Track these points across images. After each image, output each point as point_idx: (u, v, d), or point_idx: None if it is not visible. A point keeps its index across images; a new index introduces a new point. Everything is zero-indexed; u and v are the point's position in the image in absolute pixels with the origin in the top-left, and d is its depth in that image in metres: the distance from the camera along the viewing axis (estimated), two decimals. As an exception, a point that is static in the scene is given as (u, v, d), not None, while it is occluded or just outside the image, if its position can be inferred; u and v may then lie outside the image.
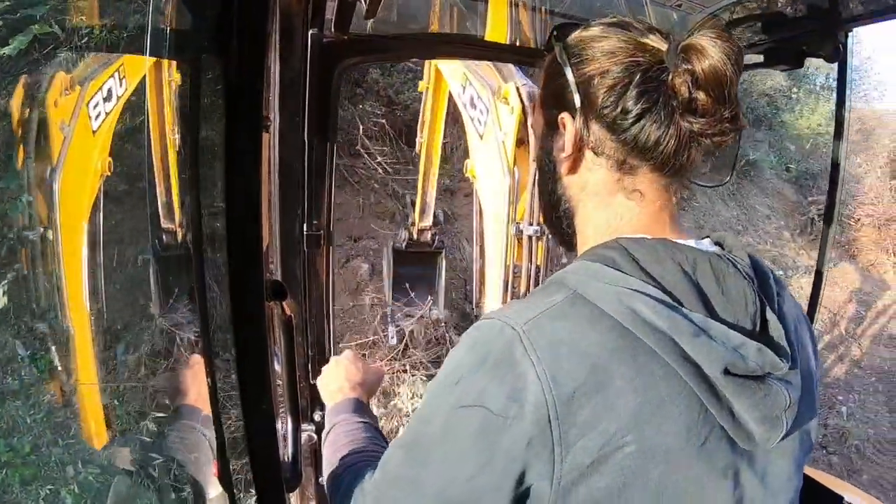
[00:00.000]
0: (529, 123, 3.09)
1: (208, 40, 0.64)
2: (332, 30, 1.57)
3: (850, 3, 1.40)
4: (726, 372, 0.74)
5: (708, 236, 0.89)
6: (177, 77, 3.32)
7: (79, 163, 2.41)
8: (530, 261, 3.29)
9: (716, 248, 0.85)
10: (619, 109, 0.82)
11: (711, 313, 0.77)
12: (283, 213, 1.62)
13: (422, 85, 4.84)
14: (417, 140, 5.10)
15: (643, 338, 0.74)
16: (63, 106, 2.38)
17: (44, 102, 2.33)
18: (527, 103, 3.12)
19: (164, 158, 3.68)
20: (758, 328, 0.80)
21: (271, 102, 1.47)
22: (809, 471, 0.94)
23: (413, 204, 5.37)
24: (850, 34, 1.47)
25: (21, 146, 2.31)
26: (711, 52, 0.77)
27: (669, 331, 0.73)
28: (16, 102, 2.30)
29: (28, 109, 2.29)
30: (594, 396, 0.72)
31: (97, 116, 2.50)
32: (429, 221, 5.36)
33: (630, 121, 0.81)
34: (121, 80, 2.60)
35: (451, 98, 4.25)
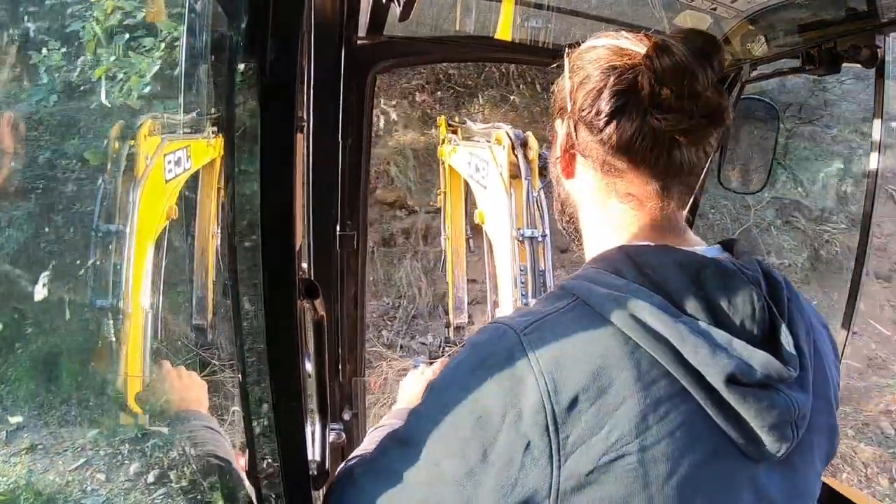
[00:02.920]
0: (519, 156, 3.73)
1: (243, 41, 0.65)
2: (367, 31, 1.58)
3: (888, 8, 1.36)
4: (730, 381, 0.73)
5: (719, 243, 0.89)
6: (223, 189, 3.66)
7: (155, 191, 2.69)
8: (534, 261, 3.68)
9: (724, 255, 0.85)
10: (594, 110, 0.85)
11: (716, 321, 0.77)
12: (316, 214, 1.64)
13: (439, 199, 4.96)
14: (442, 238, 4.97)
15: (645, 345, 0.74)
16: (148, 143, 2.69)
17: (136, 134, 2.67)
18: (515, 140, 3.69)
19: (205, 252, 3.90)
20: (766, 336, 0.79)
21: (305, 104, 1.48)
22: (829, 480, 0.92)
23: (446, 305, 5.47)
24: (887, 39, 1.43)
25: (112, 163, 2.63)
26: (674, 49, 0.79)
27: (671, 338, 0.73)
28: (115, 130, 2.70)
29: (122, 136, 2.69)
30: (595, 404, 0.72)
31: (170, 171, 2.82)
32: (464, 318, 5.27)
33: (603, 120, 0.84)
34: (188, 157, 2.95)
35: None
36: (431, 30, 1.85)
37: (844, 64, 1.50)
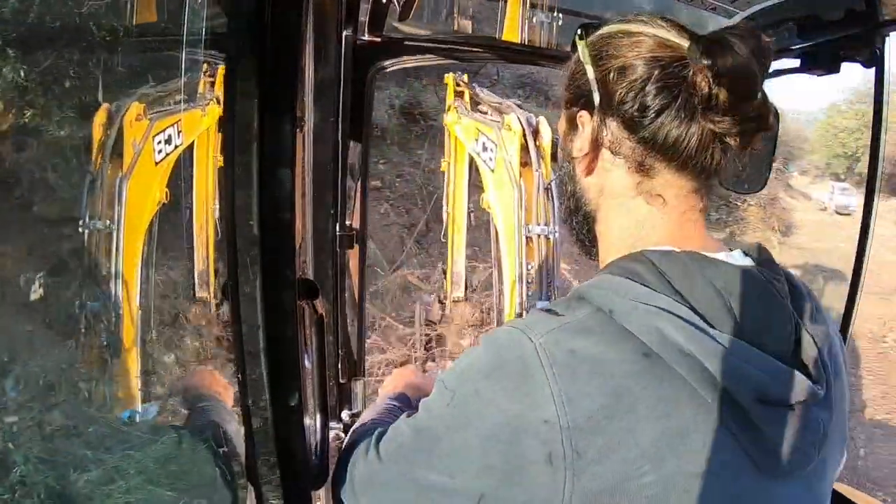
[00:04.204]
0: (530, 144, 3.81)
1: (243, 40, 0.65)
2: (367, 31, 1.58)
3: (888, 7, 1.36)
4: (759, 400, 0.70)
5: (740, 248, 0.84)
6: (220, 158, 3.67)
7: (144, 180, 2.72)
8: (542, 258, 3.79)
9: (748, 262, 0.81)
10: (636, 106, 0.78)
11: (745, 335, 0.72)
12: (315, 213, 1.63)
13: (443, 164, 5.38)
14: (444, 212, 5.45)
15: (669, 361, 0.70)
16: (136, 128, 2.70)
17: (122, 120, 2.67)
18: (525, 126, 3.83)
19: (205, 227, 3.97)
20: (793, 350, 0.75)
21: (305, 103, 1.48)
22: (836, 485, 0.91)
23: (444, 273, 5.61)
24: (887, 38, 1.43)
25: (99, 150, 2.65)
26: (734, 48, 0.73)
27: (699, 354, 0.69)
28: (99, 118, 2.69)
29: (108, 123, 2.68)
30: (614, 421, 0.68)
31: (160, 152, 2.86)
32: (461, 293, 5.54)
33: (648, 118, 0.78)
34: (179, 132, 2.99)
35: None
36: (432, 30, 1.85)
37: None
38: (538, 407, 0.69)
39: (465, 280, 5.60)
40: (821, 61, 1.53)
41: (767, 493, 0.74)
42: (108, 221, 2.56)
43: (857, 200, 29.14)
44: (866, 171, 1.72)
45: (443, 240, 5.62)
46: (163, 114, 2.89)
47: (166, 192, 2.93)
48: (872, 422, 9.64)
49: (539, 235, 3.73)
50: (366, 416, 1.14)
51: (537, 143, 3.85)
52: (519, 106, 4.24)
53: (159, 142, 2.82)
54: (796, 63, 1.58)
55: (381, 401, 1.24)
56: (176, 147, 2.93)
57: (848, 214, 28.06)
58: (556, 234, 3.78)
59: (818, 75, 1.58)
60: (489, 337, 0.78)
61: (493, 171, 4.03)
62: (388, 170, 10.62)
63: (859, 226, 1.69)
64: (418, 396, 1.32)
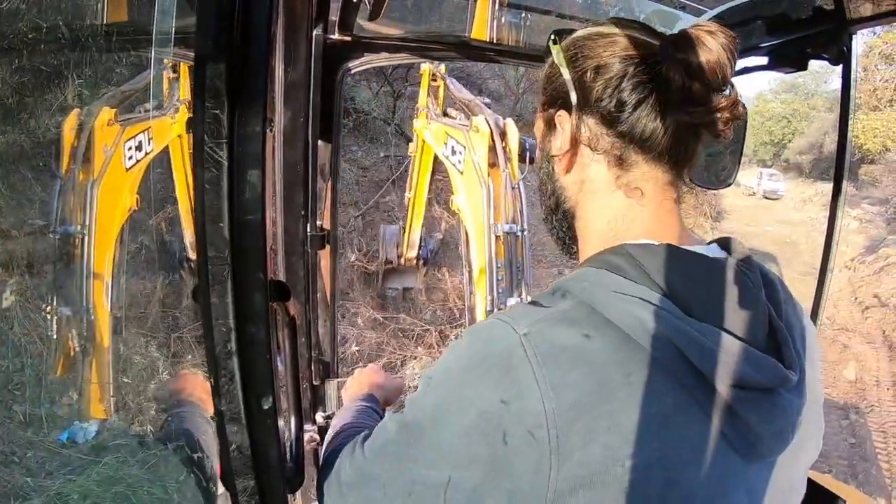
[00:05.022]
0: (498, 146, 3.90)
1: (212, 40, 0.64)
2: (337, 31, 1.57)
3: (855, 5, 1.39)
4: (736, 386, 0.72)
5: (714, 241, 0.87)
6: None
7: (114, 186, 2.71)
8: (511, 255, 3.91)
9: (723, 254, 0.84)
10: (614, 102, 0.81)
11: (721, 324, 0.75)
12: (286, 214, 1.62)
13: (412, 147, 5.91)
14: (406, 195, 6.38)
15: (649, 348, 0.72)
16: (107, 133, 2.68)
17: (93, 125, 2.65)
18: (493, 128, 3.96)
19: (189, 196, 4.12)
20: (767, 339, 0.78)
21: (275, 103, 1.47)
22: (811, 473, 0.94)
23: (403, 230, 6.72)
24: (854, 36, 1.46)
25: (69, 155, 2.62)
26: (704, 42, 0.77)
27: (677, 342, 0.72)
28: (70, 122, 2.66)
29: (79, 128, 2.65)
30: (596, 408, 0.70)
31: (130, 158, 2.91)
32: (413, 254, 6.89)
33: (626, 112, 0.81)
34: (149, 139, 2.99)
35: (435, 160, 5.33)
36: (403, 30, 1.85)
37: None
38: (523, 396, 0.71)
39: (419, 248, 6.80)
40: (789, 59, 1.56)
41: (746, 474, 0.77)
42: (78, 227, 2.51)
43: (784, 186, 30.88)
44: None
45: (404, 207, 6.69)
46: (133, 120, 2.89)
47: (137, 199, 2.91)
48: (810, 396, 10.04)
49: (508, 234, 3.83)
50: (338, 422, 1.14)
51: (504, 144, 3.98)
52: (487, 106, 4.36)
53: (130, 148, 2.81)
54: (764, 61, 1.61)
55: (351, 403, 1.25)
56: (146, 154, 2.94)
57: (776, 199, 29.53)
58: (525, 233, 3.90)
59: (786, 73, 1.61)
60: (474, 329, 0.80)
61: (462, 173, 4.15)
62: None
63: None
64: (385, 396, 1.32)
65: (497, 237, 3.82)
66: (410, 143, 6.04)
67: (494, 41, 1.94)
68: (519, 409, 0.71)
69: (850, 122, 1.62)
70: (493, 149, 3.94)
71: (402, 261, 6.95)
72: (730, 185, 1.25)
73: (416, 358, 7.38)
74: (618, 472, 0.70)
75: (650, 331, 0.72)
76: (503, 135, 4.00)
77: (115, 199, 2.72)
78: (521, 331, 0.73)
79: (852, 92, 1.56)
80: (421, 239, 6.78)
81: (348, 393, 1.33)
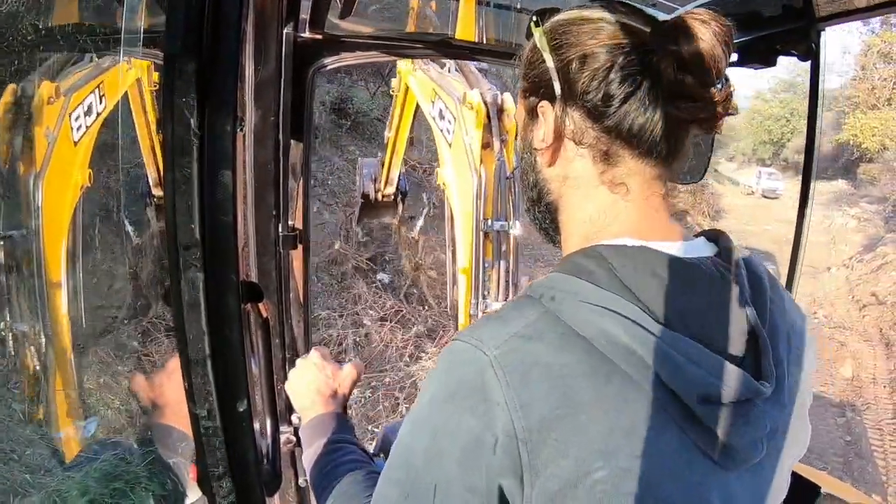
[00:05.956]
0: (494, 126, 3.41)
1: (182, 39, 0.63)
2: (307, 29, 1.56)
3: (823, 2, 1.41)
4: (702, 399, 0.71)
5: (703, 233, 0.85)
6: (156, 77, 3.49)
7: (61, 170, 2.46)
8: (500, 255, 3.50)
9: (708, 251, 0.81)
10: (600, 95, 0.77)
11: (693, 332, 0.73)
12: (258, 214, 1.60)
13: (394, 84, 5.43)
14: (385, 134, 6.11)
15: (616, 360, 0.70)
16: (48, 113, 2.42)
17: (30, 108, 2.38)
18: (490, 107, 3.41)
19: (150, 136, 3.90)
20: (744, 346, 0.76)
21: (246, 102, 1.45)
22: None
23: (383, 164, 6.53)
24: (822, 33, 1.49)
25: (6, 148, 2.35)
26: (699, 33, 0.73)
27: (643, 354, 0.70)
28: (2, 107, 2.39)
29: (14, 114, 2.33)
30: (564, 422, 0.69)
31: (79, 128, 2.57)
32: (391, 190, 6.73)
33: (613, 106, 0.77)
34: (101, 97, 2.70)
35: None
36: (375, 27, 1.84)
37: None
38: (496, 418, 0.70)
39: (397, 185, 6.72)
40: (758, 55, 1.57)
41: (720, 482, 0.75)
42: (24, 231, 2.33)
43: (783, 184, 30.31)
44: (800, 158, 1.79)
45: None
46: (80, 84, 2.58)
47: (89, 174, 2.66)
48: (807, 394, 10.06)
49: (499, 231, 3.47)
50: (313, 472, 1.10)
51: (501, 123, 3.51)
52: (484, 74, 3.87)
53: (77, 117, 2.54)
54: (734, 57, 1.64)
55: (314, 436, 1.17)
56: (98, 115, 2.66)
57: (775, 198, 29.10)
58: (518, 230, 3.52)
59: (755, 69, 1.63)
60: (445, 357, 0.77)
61: (450, 144, 3.70)
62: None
63: (796, 212, 1.76)
64: (342, 396, 1.24)
65: (486, 234, 3.45)
66: (392, 81, 5.52)
67: (484, 41, 1.91)
68: (495, 432, 0.70)
69: (819, 118, 1.65)
70: (487, 127, 3.45)
71: (380, 196, 6.76)
72: (700, 179, 1.26)
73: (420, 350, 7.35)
74: (589, 484, 0.69)
75: (617, 343, 0.71)
76: (500, 111, 3.49)
77: (63, 183, 2.45)
78: (490, 353, 0.71)
79: (820, 89, 1.59)
80: (399, 176, 6.61)
81: (298, 402, 1.23)
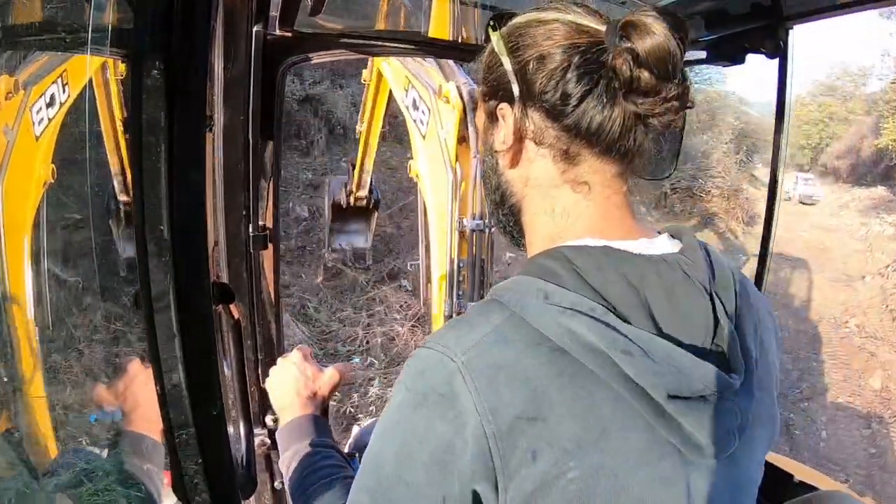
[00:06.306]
0: (470, 120, 3.25)
1: (150, 37, 0.62)
2: (277, 26, 1.54)
3: (792, 1, 1.44)
4: (671, 395, 0.71)
5: (666, 228, 0.86)
6: (122, 69, 3.36)
7: (22, 168, 2.35)
8: (474, 255, 3.42)
9: (671, 247, 0.82)
10: (558, 94, 0.78)
11: (660, 329, 0.74)
12: (228, 215, 1.59)
13: (365, 74, 5.16)
14: (357, 127, 5.64)
15: (583, 360, 0.71)
16: (7, 109, 2.32)
17: None
18: (467, 101, 3.26)
19: (115, 135, 3.73)
20: (711, 339, 0.77)
21: (215, 101, 1.43)
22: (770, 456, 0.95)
23: (353, 166, 6.12)
24: (791, 31, 1.51)
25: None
26: (653, 28, 0.73)
27: (610, 352, 0.70)
28: None
29: None
30: (534, 424, 0.70)
31: (40, 122, 2.45)
32: (364, 193, 6.25)
33: (571, 105, 0.78)
34: (63, 86, 2.57)
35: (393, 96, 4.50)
36: (346, 25, 1.83)
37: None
38: (466, 424, 0.70)
39: (370, 186, 6.24)
40: (727, 53, 1.59)
41: (693, 474, 0.76)
42: None
43: (821, 191, 29.42)
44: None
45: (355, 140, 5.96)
46: (42, 74, 2.48)
47: (53, 170, 2.54)
48: (834, 405, 9.83)
49: (474, 231, 3.40)
50: (291, 477, 1.10)
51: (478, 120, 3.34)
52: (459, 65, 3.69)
53: (39, 109, 2.44)
54: (702, 55, 1.65)
55: (291, 439, 1.17)
56: (61, 105, 2.54)
57: (812, 204, 28.31)
58: (493, 229, 3.38)
59: (724, 66, 1.65)
60: (412, 366, 0.77)
61: (424, 136, 3.61)
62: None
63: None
64: (322, 398, 1.24)
65: (461, 233, 3.36)
66: (364, 71, 5.17)
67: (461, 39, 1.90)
68: (465, 437, 0.70)
69: (787, 117, 1.68)
70: (463, 122, 3.34)
71: (352, 199, 6.24)
72: (667, 177, 1.26)
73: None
74: (562, 484, 0.70)
75: (581, 341, 0.71)
76: (477, 108, 3.40)
77: (25, 181, 2.34)
78: (457, 360, 0.72)
79: (789, 86, 1.62)
80: (372, 182, 6.20)
81: (277, 403, 1.24)
